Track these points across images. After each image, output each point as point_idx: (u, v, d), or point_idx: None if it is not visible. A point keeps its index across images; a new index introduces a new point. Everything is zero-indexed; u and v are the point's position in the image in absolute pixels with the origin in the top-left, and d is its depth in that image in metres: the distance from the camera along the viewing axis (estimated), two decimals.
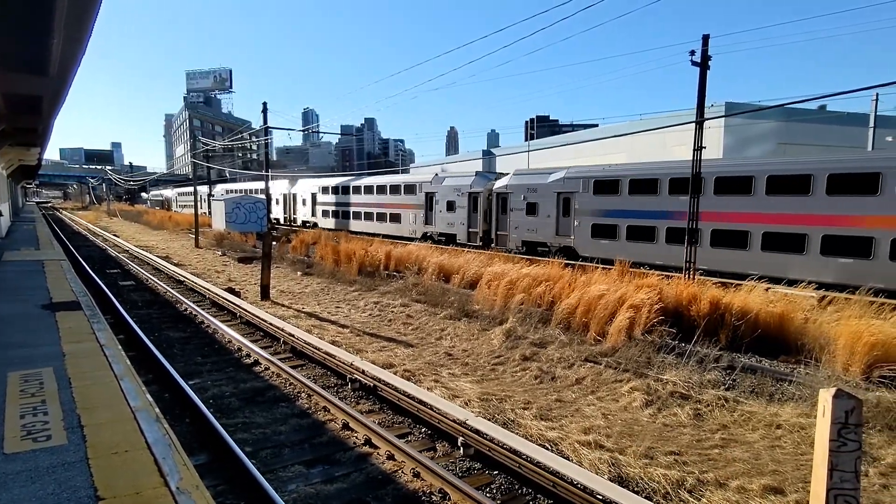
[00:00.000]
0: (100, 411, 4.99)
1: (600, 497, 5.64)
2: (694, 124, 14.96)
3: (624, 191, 21.40)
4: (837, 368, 9.29)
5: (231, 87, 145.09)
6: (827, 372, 9.20)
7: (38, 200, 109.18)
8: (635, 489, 6.08)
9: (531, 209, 25.20)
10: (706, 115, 15.01)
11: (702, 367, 9.59)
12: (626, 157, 44.03)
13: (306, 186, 45.59)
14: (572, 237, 23.16)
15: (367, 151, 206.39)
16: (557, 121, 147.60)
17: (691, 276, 14.99)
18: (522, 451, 6.60)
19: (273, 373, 9.98)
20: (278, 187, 50.18)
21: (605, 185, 22.14)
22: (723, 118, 34.68)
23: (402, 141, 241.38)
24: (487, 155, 69.21)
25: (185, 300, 16.27)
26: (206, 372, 10.08)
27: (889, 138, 42.75)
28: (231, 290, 17.72)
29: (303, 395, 8.88)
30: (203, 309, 15.17)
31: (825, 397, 4.73)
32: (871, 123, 39.57)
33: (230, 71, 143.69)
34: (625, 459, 6.70)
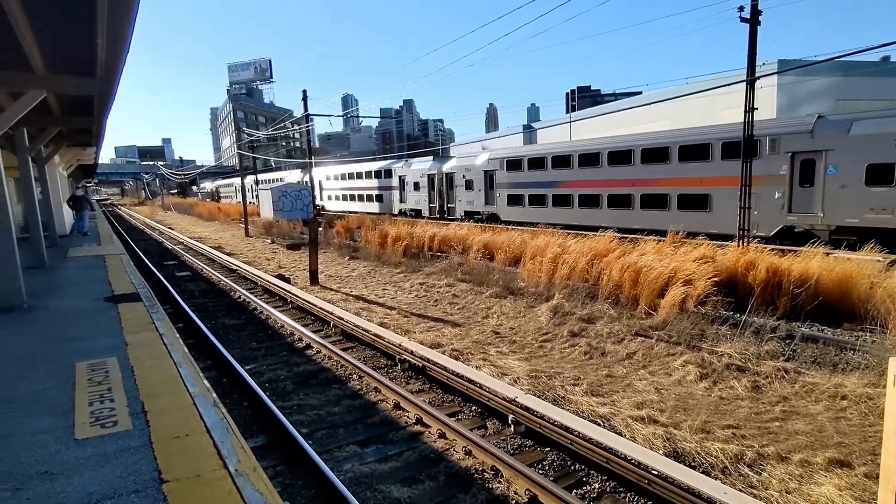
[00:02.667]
0: (161, 398, 5.20)
1: (655, 472, 5.54)
2: (745, 84, 14.24)
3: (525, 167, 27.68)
4: None
5: (271, 76, 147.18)
6: (895, 339, 8.72)
7: (97, 198, 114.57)
8: (692, 464, 5.95)
9: (468, 185, 31.09)
10: (757, 74, 14.25)
11: (759, 338, 9.25)
12: (670, 124, 42.43)
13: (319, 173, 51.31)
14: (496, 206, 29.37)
15: (406, 133, 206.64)
16: (599, 90, 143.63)
17: (745, 244, 14.42)
18: (574, 428, 6.54)
19: (325, 355, 10.21)
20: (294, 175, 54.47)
21: (513, 164, 28.41)
22: (775, 76, 32.90)
23: (441, 121, 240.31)
24: (528, 129, 68.06)
25: (239, 288, 16.78)
26: (260, 357, 10.39)
27: None
28: (281, 277, 18.17)
29: (354, 376, 9.05)
30: (255, 296, 15.62)
31: (895, 365, 4.48)
32: None
33: (270, 61, 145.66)
34: (680, 434, 6.55)
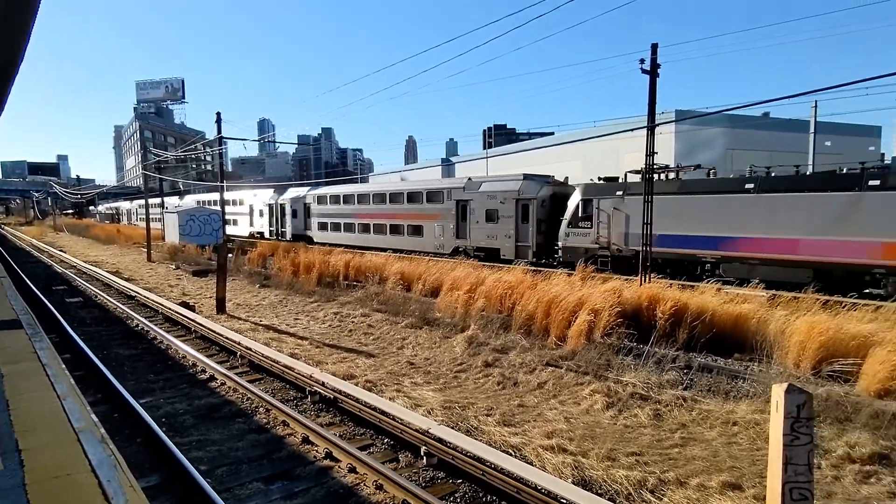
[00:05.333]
0: (39, 434, 4.70)
1: (564, 501, 5.63)
2: (646, 130, 15.35)
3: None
4: (789, 364, 9.58)
5: (184, 97, 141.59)
6: (779, 368, 9.47)
7: None
8: (598, 491, 6.10)
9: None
10: (657, 122, 15.42)
11: (660, 368, 9.75)
12: (580, 164, 44.84)
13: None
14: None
15: (324, 161, 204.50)
16: (514, 129, 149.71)
17: (647, 279, 15.30)
18: (486, 458, 6.55)
19: (230, 388, 9.67)
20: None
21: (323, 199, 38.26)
22: (673, 124, 35.67)
23: (360, 150, 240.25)
24: (446, 163, 69.67)
25: (137, 316, 15.65)
26: (158, 390, 9.68)
27: (828, 143, 44.86)
28: (185, 305, 17.17)
29: (261, 409, 8.62)
30: (155, 324, 14.62)
31: (778, 392, 4.84)
32: (812, 129, 41.40)
33: (182, 81, 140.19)
34: (587, 462, 6.72)
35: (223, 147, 33.57)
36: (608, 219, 20.06)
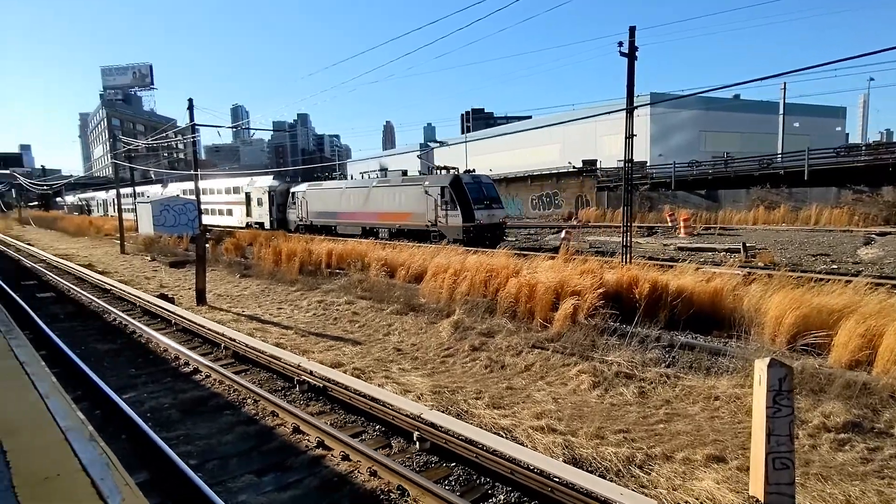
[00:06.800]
0: (24, 435, 4.58)
1: (557, 479, 5.72)
2: (625, 113, 15.41)
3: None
4: (765, 340, 9.81)
5: (153, 83, 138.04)
6: (756, 344, 9.69)
7: None
8: (589, 469, 6.21)
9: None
10: (635, 104, 15.49)
11: (643, 347, 9.91)
12: (559, 147, 45.01)
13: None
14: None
15: (301, 148, 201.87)
16: (492, 113, 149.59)
17: (629, 260, 15.49)
18: (478, 441, 6.61)
19: (215, 380, 9.57)
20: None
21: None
22: (649, 106, 35.91)
23: (337, 136, 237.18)
24: (424, 148, 69.29)
25: (113, 310, 15.36)
26: (140, 384, 9.54)
27: (796, 124, 45.73)
28: (164, 297, 16.88)
29: (248, 401, 8.56)
30: (134, 318, 14.37)
31: (761, 367, 4.97)
32: (781, 111, 42.11)
33: (150, 66, 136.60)
34: (577, 441, 6.83)
35: (196, 135, 33.00)
36: (300, 203, 36.24)
